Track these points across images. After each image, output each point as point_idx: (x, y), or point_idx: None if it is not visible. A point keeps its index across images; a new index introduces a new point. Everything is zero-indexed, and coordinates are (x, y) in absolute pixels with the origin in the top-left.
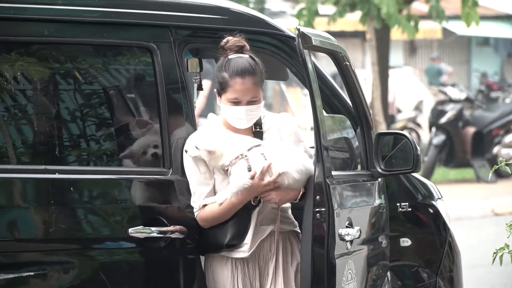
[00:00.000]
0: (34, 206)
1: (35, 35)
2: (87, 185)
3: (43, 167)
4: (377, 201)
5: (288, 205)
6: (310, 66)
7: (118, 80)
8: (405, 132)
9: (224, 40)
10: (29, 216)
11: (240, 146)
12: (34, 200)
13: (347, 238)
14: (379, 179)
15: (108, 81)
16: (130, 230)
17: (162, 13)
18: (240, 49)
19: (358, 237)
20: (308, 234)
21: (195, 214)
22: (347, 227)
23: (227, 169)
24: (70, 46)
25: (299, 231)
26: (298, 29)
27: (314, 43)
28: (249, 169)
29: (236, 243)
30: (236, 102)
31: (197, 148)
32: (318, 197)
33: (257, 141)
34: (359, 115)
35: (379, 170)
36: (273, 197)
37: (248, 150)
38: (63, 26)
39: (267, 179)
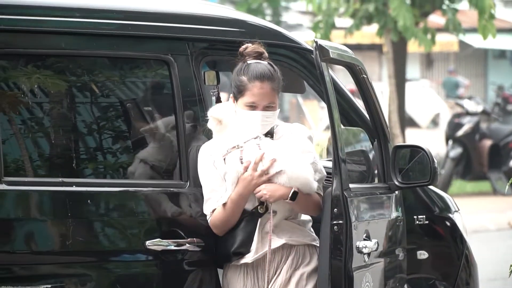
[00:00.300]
0: (51, 219)
1: (53, 48)
2: (104, 198)
3: (60, 179)
4: (394, 214)
5: (307, 218)
6: (327, 79)
7: (135, 93)
8: (422, 145)
9: (243, 46)
10: (46, 228)
11: (239, 137)
12: (51, 212)
13: (365, 250)
14: (396, 192)
15: (125, 94)
16: (147, 242)
17: (179, 26)
18: (258, 56)
19: (376, 250)
20: (326, 247)
21: (208, 221)
22: (364, 239)
23: (225, 159)
24: (87, 58)
25: (318, 245)
26: (316, 42)
27: (331, 56)
28: (241, 160)
29: (243, 251)
30: (253, 107)
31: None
32: (336, 209)
33: (256, 133)
34: (376, 127)
35: (396, 183)
36: (263, 192)
37: (245, 142)
38: (80, 38)
39: (260, 168)
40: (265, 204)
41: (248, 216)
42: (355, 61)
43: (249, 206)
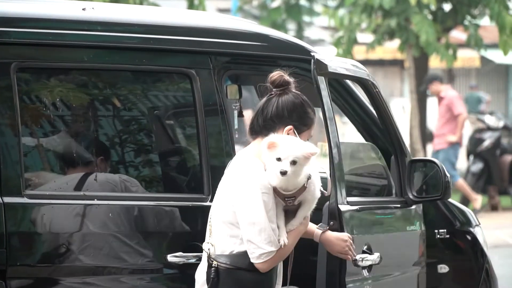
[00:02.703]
0: (72, 232)
1: (75, 61)
2: (126, 211)
3: (81, 193)
4: (410, 228)
5: None
6: (324, 92)
7: (157, 107)
8: (435, 159)
9: (279, 75)
10: (67, 241)
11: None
12: (73, 225)
13: (363, 263)
14: (415, 206)
15: (147, 108)
16: (168, 256)
17: (202, 40)
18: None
19: (378, 263)
20: (323, 260)
21: (262, 259)
22: (364, 252)
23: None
24: (110, 72)
25: None
26: (313, 56)
27: (330, 70)
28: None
29: None
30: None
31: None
32: (332, 222)
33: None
34: (392, 142)
35: (411, 197)
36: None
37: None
38: (102, 52)
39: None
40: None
41: None
42: (365, 75)
43: None
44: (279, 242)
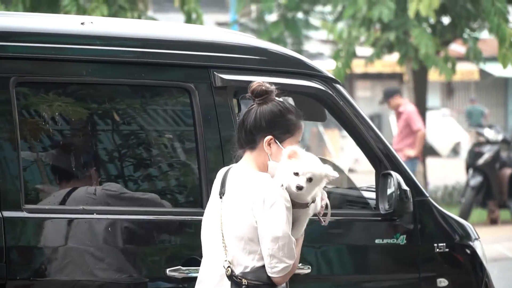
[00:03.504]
0: (72, 246)
1: (74, 75)
2: (125, 225)
3: (81, 207)
4: (383, 241)
5: None
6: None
7: (156, 121)
8: (391, 172)
9: (258, 85)
10: (66, 255)
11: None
12: (71, 239)
13: None
14: (399, 219)
15: (146, 122)
16: (167, 270)
17: (201, 54)
18: (273, 92)
19: (308, 274)
20: None
21: (283, 272)
22: None
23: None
24: (108, 86)
25: None
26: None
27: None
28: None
29: None
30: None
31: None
32: None
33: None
34: (367, 154)
35: (381, 211)
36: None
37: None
38: (101, 66)
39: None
40: None
41: None
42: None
43: None
44: None
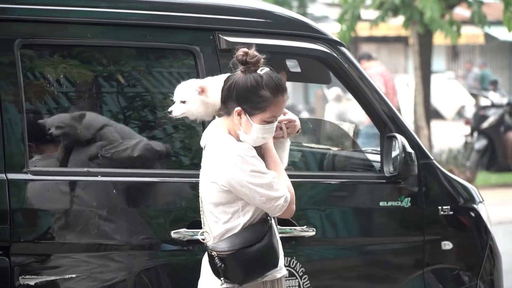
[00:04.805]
0: (76, 208)
1: (79, 38)
2: (129, 187)
3: (85, 169)
4: (387, 203)
5: None
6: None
7: (161, 83)
8: (396, 134)
9: (241, 53)
10: (71, 217)
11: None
12: (76, 202)
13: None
14: (404, 181)
15: (151, 84)
16: (172, 232)
17: (206, 16)
18: (259, 62)
19: (313, 236)
20: None
21: (287, 202)
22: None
23: None
24: (113, 48)
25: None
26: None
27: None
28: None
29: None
30: (271, 121)
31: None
32: None
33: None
34: (373, 117)
35: (386, 173)
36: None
37: None
38: (106, 29)
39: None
40: None
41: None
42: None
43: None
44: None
